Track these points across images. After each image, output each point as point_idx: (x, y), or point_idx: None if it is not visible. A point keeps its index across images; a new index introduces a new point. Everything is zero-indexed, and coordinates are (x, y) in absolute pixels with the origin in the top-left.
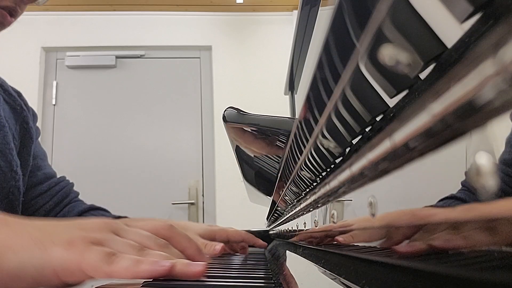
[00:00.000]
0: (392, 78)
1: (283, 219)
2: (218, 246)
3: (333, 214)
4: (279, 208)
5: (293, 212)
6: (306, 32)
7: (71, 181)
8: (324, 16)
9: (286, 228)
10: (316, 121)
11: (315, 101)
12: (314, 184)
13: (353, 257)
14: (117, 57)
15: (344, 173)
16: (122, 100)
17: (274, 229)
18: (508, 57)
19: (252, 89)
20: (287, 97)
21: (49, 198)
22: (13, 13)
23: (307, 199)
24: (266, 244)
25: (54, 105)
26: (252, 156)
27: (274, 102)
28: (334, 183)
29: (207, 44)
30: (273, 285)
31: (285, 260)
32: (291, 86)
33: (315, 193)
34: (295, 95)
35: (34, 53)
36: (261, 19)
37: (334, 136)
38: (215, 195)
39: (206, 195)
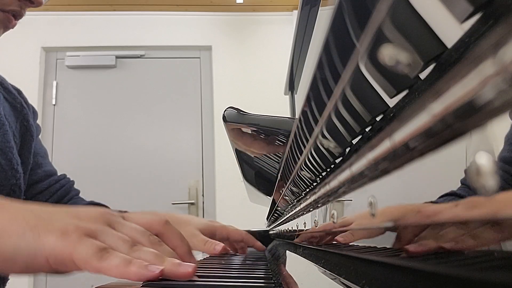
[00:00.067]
0: (392, 78)
1: (283, 219)
2: (219, 246)
3: (333, 214)
4: (279, 208)
5: (293, 212)
6: (306, 32)
7: (71, 179)
8: (324, 16)
9: (286, 228)
10: (316, 121)
11: (315, 101)
12: (314, 184)
13: (353, 257)
14: (117, 57)
15: (344, 173)
16: (122, 100)
17: (274, 229)
18: (508, 57)
19: (252, 89)
20: (287, 97)
21: (49, 195)
22: (17, 16)
23: (307, 199)
24: (265, 247)
25: (54, 105)
26: (252, 156)
27: (274, 102)
28: (334, 183)
29: (207, 44)
30: (273, 285)
31: (285, 260)
32: (291, 86)
33: (315, 193)
34: (295, 95)
35: (34, 53)
36: (261, 19)
37: (334, 136)
38: (215, 195)
39: (206, 195)
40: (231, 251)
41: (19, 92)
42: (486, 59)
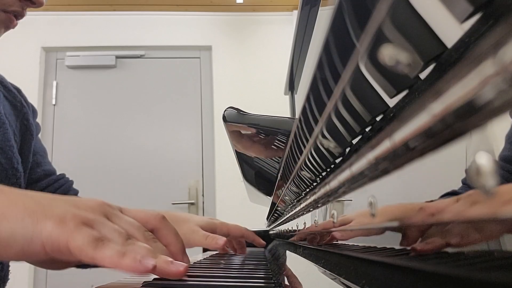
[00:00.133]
0: (392, 78)
1: (283, 219)
2: (221, 240)
3: (333, 214)
4: (279, 208)
5: (293, 212)
6: (306, 32)
7: (70, 179)
8: (324, 16)
9: (286, 228)
10: (316, 121)
11: (315, 101)
12: (314, 184)
13: (353, 257)
14: (117, 57)
15: (344, 173)
16: (122, 100)
17: (274, 229)
18: (508, 57)
19: (252, 89)
20: (287, 97)
21: None
22: (18, 16)
23: (307, 199)
24: (265, 243)
25: (54, 105)
26: (252, 156)
27: (274, 102)
28: (334, 183)
29: (207, 44)
30: (273, 285)
31: (285, 260)
32: (291, 86)
33: (315, 193)
34: (295, 95)
35: (34, 53)
36: (261, 19)
37: (334, 136)
38: (215, 195)
39: (206, 195)
40: (231, 251)
41: (19, 90)
42: (486, 59)
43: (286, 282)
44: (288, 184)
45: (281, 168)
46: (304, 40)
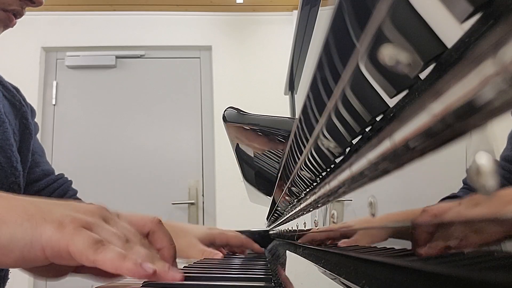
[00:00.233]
0: (392, 78)
1: (283, 219)
2: (217, 257)
3: (333, 214)
4: (279, 208)
5: (293, 212)
6: (306, 32)
7: (69, 179)
8: (324, 16)
9: (286, 228)
10: (316, 121)
11: (315, 101)
12: (314, 184)
13: (353, 257)
14: (117, 57)
15: (344, 173)
16: (122, 100)
17: (274, 229)
18: (508, 57)
19: (252, 89)
20: (287, 97)
21: (47, 195)
22: (17, 16)
23: (307, 199)
24: (264, 249)
25: (54, 105)
26: (252, 156)
27: (274, 102)
28: (334, 183)
29: (207, 44)
30: (273, 285)
31: (285, 260)
32: (291, 86)
33: (315, 193)
34: (295, 95)
35: (34, 53)
36: (261, 19)
37: (334, 136)
38: (215, 195)
39: (206, 195)
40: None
41: (17, 90)
42: (486, 59)
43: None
44: (288, 184)
45: (281, 168)
46: (304, 40)
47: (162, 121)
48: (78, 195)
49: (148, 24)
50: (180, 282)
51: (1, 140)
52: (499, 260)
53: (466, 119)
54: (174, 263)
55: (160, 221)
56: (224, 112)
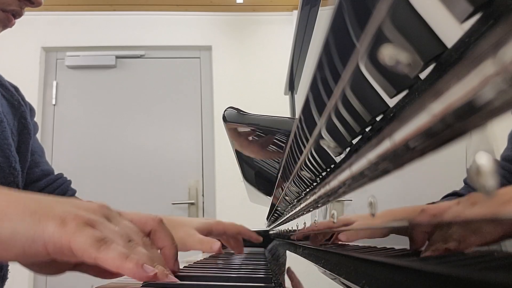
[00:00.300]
0: (392, 78)
1: (283, 219)
2: (215, 245)
3: (333, 214)
4: (279, 208)
5: (293, 212)
6: (306, 32)
7: (68, 179)
8: (324, 16)
9: (286, 228)
10: (316, 121)
11: (315, 101)
12: (314, 184)
13: (353, 257)
14: (117, 57)
15: (344, 173)
16: (122, 100)
17: (274, 229)
18: (508, 57)
19: (252, 89)
20: (287, 97)
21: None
22: (16, 16)
23: (307, 199)
24: (261, 238)
25: (54, 105)
26: (252, 156)
27: (274, 102)
28: (334, 183)
29: (207, 44)
30: (273, 285)
31: (285, 260)
32: (291, 86)
33: (315, 193)
34: (295, 95)
35: (34, 53)
36: (261, 19)
37: (334, 136)
38: (215, 195)
39: (206, 195)
40: (231, 250)
41: (17, 89)
42: (486, 59)
43: (287, 284)
44: (288, 184)
45: (281, 168)
46: (304, 40)
47: (162, 121)
48: (78, 195)
49: (148, 24)
50: (181, 282)
51: None
52: (499, 260)
53: (466, 119)
54: (175, 263)
55: (162, 220)
56: (224, 112)
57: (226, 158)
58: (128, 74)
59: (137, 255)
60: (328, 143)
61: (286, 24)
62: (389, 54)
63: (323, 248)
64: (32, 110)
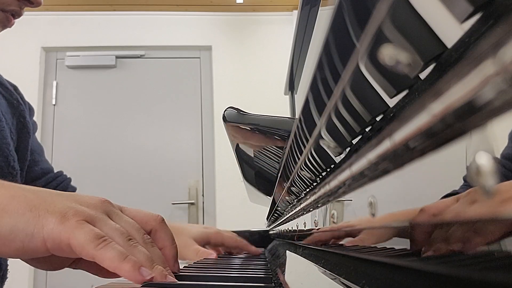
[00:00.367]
0: (392, 78)
1: (283, 219)
2: (211, 257)
3: (333, 214)
4: (279, 208)
5: (293, 212)
6: (306, 32)
7: (68, 176)
8: (324, 16)
9: (286, 228)
10: (316, 121)
11: (315, 101)
12: (314, 184)
13: (353, 257)
14: (117, 57)
15: (344, 173)
16: (122, 100)
17: (274, 229)
18: (508, 57)
19: (252, 89)
20: (287, 97)
21: None
22: (16, 16)
23: (307, 199)
24: (260, 251)
25: (54, 105)
26: (252, 156)
27: (274, 102)
28: (334, 183)
29: (207, 44)
30: (273, 285)
31: (285, 260)
32: (291, 86)
33: (315, 193)
34: (295, 95)
35: (34, 53)
36: (261, 19)
37: (334, 136)
38: (215, 195)
39: (206, 195)
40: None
41: (15, 88)
42: (486, 59)
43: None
44: (288, 184)
45: (281, 168)
46: (304, 40)
47: (162, 121)
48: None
49: (148, 24)
50: (181, 282)
51: None
52: (500, 260)
53: (466, 119)
54: (175, 263)
55: (163, 219)
56: (224, 112)
57: (226, 158)
58: (128, 74)
59: (136, 255)
60: (328, 143)
61: (286, 24)
62: (389, 54)
63: (323, 248)
64: (31, 109)
